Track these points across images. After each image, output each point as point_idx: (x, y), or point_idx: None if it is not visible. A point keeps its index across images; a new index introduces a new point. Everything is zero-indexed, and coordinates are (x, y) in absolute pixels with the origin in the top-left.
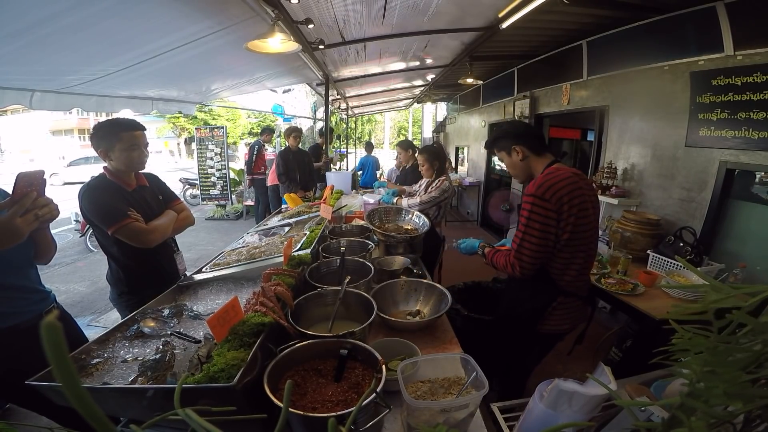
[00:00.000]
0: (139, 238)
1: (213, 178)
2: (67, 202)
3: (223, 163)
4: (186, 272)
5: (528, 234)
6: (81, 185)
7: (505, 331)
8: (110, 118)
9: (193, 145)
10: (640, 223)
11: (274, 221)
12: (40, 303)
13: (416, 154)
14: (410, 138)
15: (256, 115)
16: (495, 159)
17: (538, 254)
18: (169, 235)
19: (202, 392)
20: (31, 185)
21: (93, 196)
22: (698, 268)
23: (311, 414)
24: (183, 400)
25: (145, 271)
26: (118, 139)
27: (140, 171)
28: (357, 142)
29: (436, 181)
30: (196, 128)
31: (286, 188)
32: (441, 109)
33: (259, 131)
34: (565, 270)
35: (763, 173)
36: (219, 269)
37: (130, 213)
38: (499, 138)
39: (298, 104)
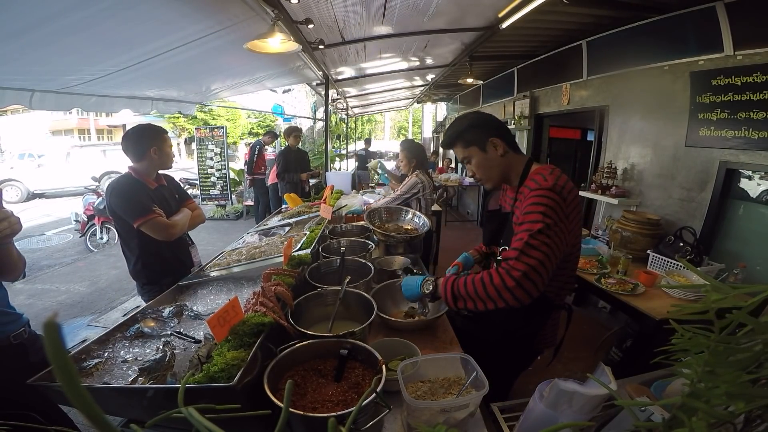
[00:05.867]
0: (161, 232)
1: (213, 178)
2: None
3: (223, 163)
4: (201, 263)
5: (547, 238)
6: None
7: (500, 354)
8: (141, 123)
9: (193, 145)
10: (640, 223)
11: (274, 221)
12: (8, 326)
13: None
14: (410, 138)
15: (256, 115)
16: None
17: (551, 264)
18: (185, 231)
19: (202, 392)
20: None
21: (121, 191)
22: (698, 268)
23: (311, 414)
24: (183, 399)
25: (164, 262)
26: (163, 140)
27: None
28: (357, 142)
29: (410, 176)
30: (195, 128)
31: (285, 187)
32: (441, 109)
33: (263, 132)
34: (556, 279)
35: (763, 173)
36: (219, 269)
37: (155, 209)
38: (467, 130)
39: (298, 104)
